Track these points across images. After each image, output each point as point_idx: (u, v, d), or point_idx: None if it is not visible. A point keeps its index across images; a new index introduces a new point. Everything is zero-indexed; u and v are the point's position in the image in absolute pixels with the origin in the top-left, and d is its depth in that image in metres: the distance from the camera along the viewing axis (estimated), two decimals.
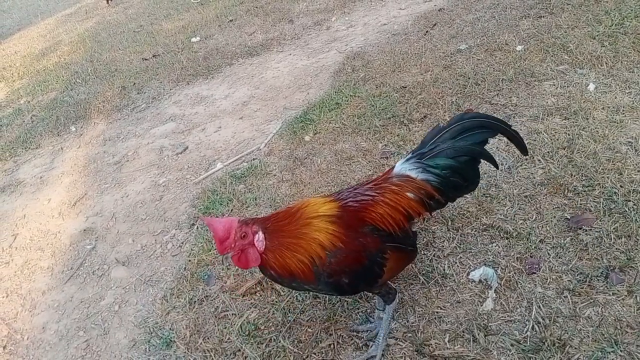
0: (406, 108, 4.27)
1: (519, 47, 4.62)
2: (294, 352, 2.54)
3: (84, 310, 3.39)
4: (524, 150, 2.28)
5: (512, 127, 2.23)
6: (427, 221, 3.02)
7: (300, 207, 2.12)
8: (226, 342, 2.74)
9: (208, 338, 2.80)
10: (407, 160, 2.26)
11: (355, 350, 2.47)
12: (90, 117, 6.49)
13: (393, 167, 2.28)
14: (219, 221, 1.96)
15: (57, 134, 6.33)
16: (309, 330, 2.64)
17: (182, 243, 3.73)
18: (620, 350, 2.11)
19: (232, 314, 2.89)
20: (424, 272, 2.75)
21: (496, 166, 2.36)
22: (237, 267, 2.20)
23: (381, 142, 3.97)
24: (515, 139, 2.23)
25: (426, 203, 2.20)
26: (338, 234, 2.03)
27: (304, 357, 2.51)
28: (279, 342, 2.61)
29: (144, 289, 3.40)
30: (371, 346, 2.43)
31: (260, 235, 2.00)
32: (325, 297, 2.77)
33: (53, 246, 4.18)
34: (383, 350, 2.40)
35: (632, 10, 4.56)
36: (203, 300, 3.07)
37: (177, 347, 2.82)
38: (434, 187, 2.18)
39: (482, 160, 2.25)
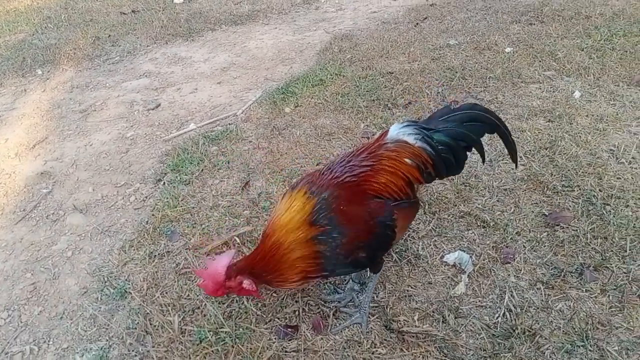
0: (391, 93, 4.21)
1: (508, 49, 4.63)
2: (257, 315, 2.44)
3: (33, 253, 3.19)
4: (515, 160, 2.33)
5: (512, 136, 2.26)
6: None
7: (273, 234, 2.00)
8: (185, 298, 2.62)
9: (166, 293, 2.67)
10: (407, 125, 2.17)
11: (322, 319, 2.39)
12: (59, 62, 6.18)
13: (387, 132, 2.19)
14: (207, 275, 2.02)
15: (22, 75, 6.00)
16: (274, 295, 2.55)
17: (146, 197, 3.56)
18: (590, 345, 2.10)
19: (194, 272, 2.76)
20: (397, 250, 2.69)
21: (483, 160, 2.34)
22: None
23: (363, 122, 3.90)
24: (511, 146, 2.27)
25: (422, 171, 2.15)
26: (333, 218, 1.96)
27: (267, 320, 2.41)
28: (242, 303, 2.51)
29: (101, 238, 3.23)
30: (354, 313, 2.38)
31: (246, 282, 2.05)
32: None
33: (6, 186, 3.94)
34: (353, 323, 2.34)
35: (621, 28, 4.64)
36: (164, 255, 2.93)
37: (131, 299, 2.67)
38: (429, 156, 2.13)
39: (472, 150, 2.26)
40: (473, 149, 2.23)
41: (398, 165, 2.09)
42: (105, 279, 2.85)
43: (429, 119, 2.25)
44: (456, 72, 4.35)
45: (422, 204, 2.95)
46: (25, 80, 5.85)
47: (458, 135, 2.15)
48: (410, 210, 2.22)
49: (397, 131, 2.16)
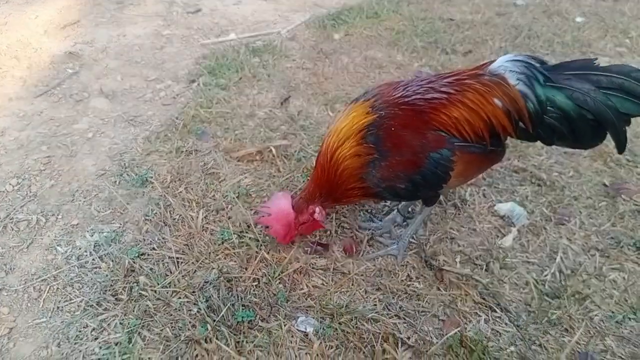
0: (450, 39, 3.94)
1: (578, 19, 4.33)
2: None
3: (52, 128, 3.01)
4: None
5: None
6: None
7: (328, 145, 1.86)
8: (210, 197, 2.44)
9: (191, 189, 2.48)
10: (516, 60, 1.76)
11: (355, 244, 2.21)
12: None
13: (492, 62, 1.83)
14: (276, 225, 1.97)
15: None
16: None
17: (177, 95, 3.35)
18: None
19: (223, 174, 2.58)
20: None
21: (619, 150, 1.77)
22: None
23: (418, 62, 3.65)
24: None
25: (514, 120, 1.77)
26: (379, 138, 1.78)
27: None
28: None
29: (125, 126, 3.04)
30: (391, 245, 2.20)
31: (317, 209, 1.98)
32: None
33: (30, 60, 3.72)
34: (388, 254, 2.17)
35: None
36: (192, 153, 2.74)
37: (152, 188, 2.50)
38: (528, 107, 1.73)
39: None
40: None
41: (483, 103, 1.74)
42: (126, 164, 2.67)
43: (557, 66, 1.77)
44: (521, 31, 4.07)
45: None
46: None
47: (586, 105, 1.67)
48: (481, 159, 1.87)
49: (501, 64, 1.78)
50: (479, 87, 1.76)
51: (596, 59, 1.73)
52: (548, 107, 1.73)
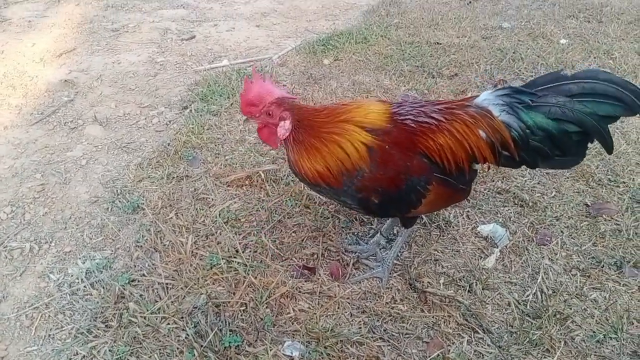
0: (437, 62, 4.03)
1: (562, 41, 4.43)
2: (274, 251, 2.31)
3: (46, 156, 3.07)
4: None
5: None
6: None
7: (350, 108, 1.84)
8: (200, 223, 2.49)
9: (181, 215, 2.54)
10: (496, 92, 1.85)
11: (341, 267, 2.26)
12: None
13: (477, 96, 1.91)
14: (258, 84, 1.79)
15: None
16: (294, 235, 2.42)
17: (170, 122, 3.42)
18: (624, 339, 1.96)
19: (213, 199, 2.63)
20: (427, 214, 2.55)
21: (609, 151, 1.83)
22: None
23: (405, 86, 3.73)
24: None
25: (497, 150, 1.83)
26: (374, 149, 1.77)
27: (284, 258, 2.29)
28: (260, 237, 2.37)
29: (118, 153, 3.10)
30: (376, 267, 2.24)
31: (286, 124, 1.81)
32: (319, 209, 2.55)
33: (27, 88, 3.81)
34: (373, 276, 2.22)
35: None
36: (182, 179, 2.80)
37: (144, 215, 2.55)
38: (512, 136, 1.79)
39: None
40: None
41: (468, 134, 1.80)
42: (119, 191, 2.73)
43: (528, 84, 1.86)
44: (506, 54, 4.16)
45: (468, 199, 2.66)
46: None
47: (566, 116, 1.71)
48: (450, 194, 1.94)
49: (484, 97, 1.86)
50: (466, 118, 1.83)
51: (563, 69, 1.79)
52: (526, 131, 1.79)
